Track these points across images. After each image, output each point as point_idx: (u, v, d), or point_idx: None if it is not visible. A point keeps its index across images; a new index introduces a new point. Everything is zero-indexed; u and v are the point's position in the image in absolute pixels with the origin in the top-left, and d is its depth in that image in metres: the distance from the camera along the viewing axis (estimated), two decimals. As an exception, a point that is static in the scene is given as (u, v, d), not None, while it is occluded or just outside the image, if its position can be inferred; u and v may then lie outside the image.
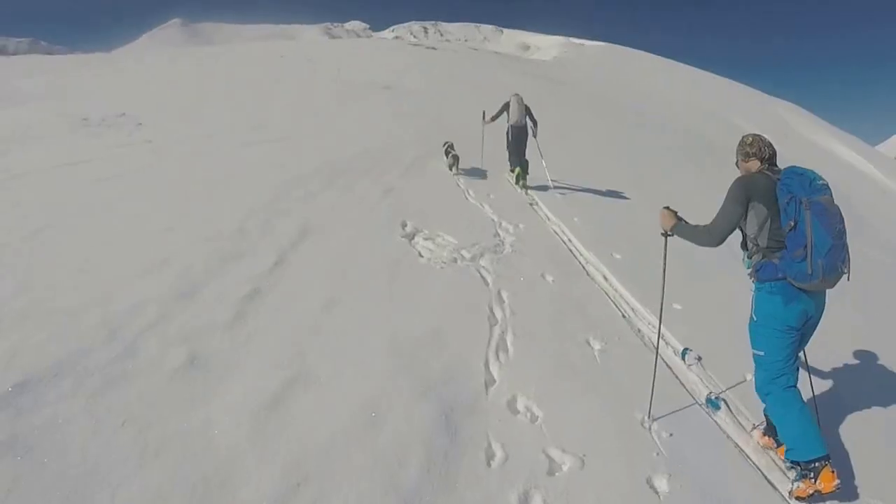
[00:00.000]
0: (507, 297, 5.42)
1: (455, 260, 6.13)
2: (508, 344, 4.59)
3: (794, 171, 3.24)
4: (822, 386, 4.50)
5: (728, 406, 4.17)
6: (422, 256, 6.12)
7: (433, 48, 53.67)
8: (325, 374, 3.79)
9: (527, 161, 10.59)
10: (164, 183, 7.90)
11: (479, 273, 5.89)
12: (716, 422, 3.99)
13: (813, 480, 3.14)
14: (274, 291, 4.84)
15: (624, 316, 5.49)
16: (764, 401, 3.49)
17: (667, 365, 4.64)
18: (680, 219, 3.74)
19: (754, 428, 3.84)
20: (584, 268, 6.76)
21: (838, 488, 3.09)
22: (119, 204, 6.84)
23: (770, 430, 3.62)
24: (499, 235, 7.33)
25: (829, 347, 4.87)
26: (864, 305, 7.06)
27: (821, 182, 3.18)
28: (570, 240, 7.80)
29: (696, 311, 5.76)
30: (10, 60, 34.64)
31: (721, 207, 3.43)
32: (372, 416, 3.43)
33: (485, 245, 6.75)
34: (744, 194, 3.32)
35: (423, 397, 3.67)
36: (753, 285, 3.51)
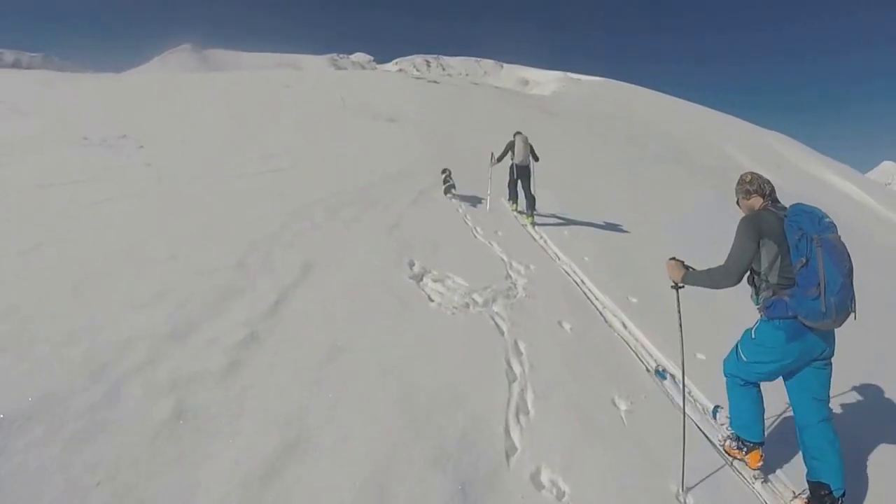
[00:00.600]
0: (524, 349, 4.97)
1: (467, 305, 5.67)
2: (529, 405, 4.12)
3: (802, 209, 3.24)
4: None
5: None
6: (432, 300, 5.65)
7: (435, 81, 53.99)
8: (327, 437, 3.31)
9: (534, 197, 10.51)
10: (164, 208, 7.46)
11: (493, 320, 5.44)
12: (754, 490, 3.63)
13: (744, 453, 3.76)
14: (273, 336, 4.36)
15: (648, 370, 5.06)
16: (725, 379, 3.84)
17: (697, 426, 4.25)
18: (688, 267, 3.70)
19: (795, 497, 3.56)
20: (600, 313, 6.34)
21: (758, 468, 3.68)
22: (116, 227, 6.41)
23: (814, 500, 3.35)
24: (510, 277, 6.91)
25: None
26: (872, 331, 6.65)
27: (828, 220, 3.17)
28: (582, 281, 7.41)
29: (721, 361, 5.30)
30: (21, 73, 34.43)
31: (734, 246, 3.37)
32: (379, 490, 2.97)
33: (497, 288, 6.31)
34: (755, 231, 3.29)
35: (438, 467, 3.21)
36: (760, 318, 3.50)
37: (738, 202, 3.65)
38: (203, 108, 21.60)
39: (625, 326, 6.08)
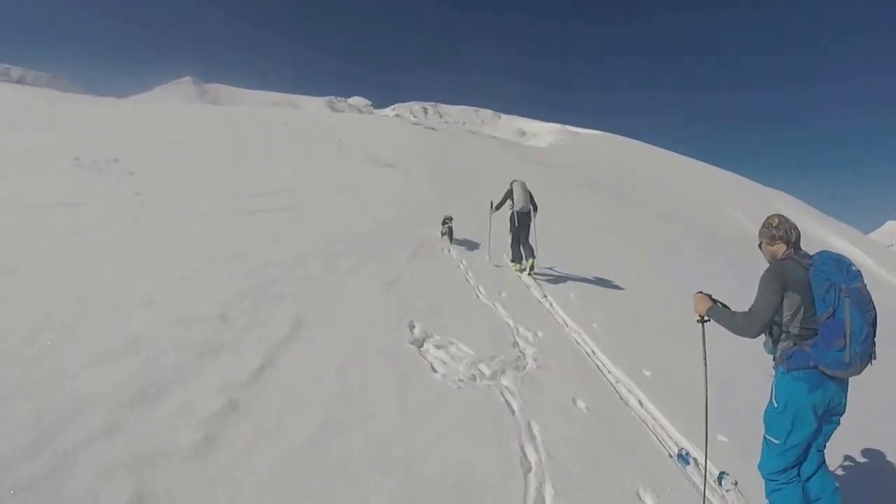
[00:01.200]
0: (538, 432, 4.42)
1: (474, 378, 5.12)
2: (548, 501, 3.56)
3: (829, 257, 3.18)
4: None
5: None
6: (435, 371, 5.09)
7: (433, 128, 54.23)
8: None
9: (531, 247, 10.17)
10: (148, 244, 6.93)
11: (503, 396, 4.89)
12: None
13: None
14: (256, 407, 3.79)
15: (670, 455, 4.54)
16: (767, 487, 3.43)
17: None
18: (716, 301, 3.59)
19: None
20: (615, 388, 5.82)
21: None
22: (94, 260, 5.93)
23: None
24: (518, 345, 6.38)
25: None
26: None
27: (854, 268, 3.12)
28: (593, 352, 6.89)
29: (745, 445, 4.74)
30: (24, 89, 34.12)
31: (758, 297, 3.29)
32: None
33: (505, 359, 5.77)
34: (779, 283, 3.21)
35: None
36: (776, 370, 3.38)
37: (760, 245, 3.56)
38: (199, 139, 21.29)
39: (641, 404, 5.56)
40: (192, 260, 6.52)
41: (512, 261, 10.65)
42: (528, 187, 10.59)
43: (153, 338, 4.30)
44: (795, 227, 3.43)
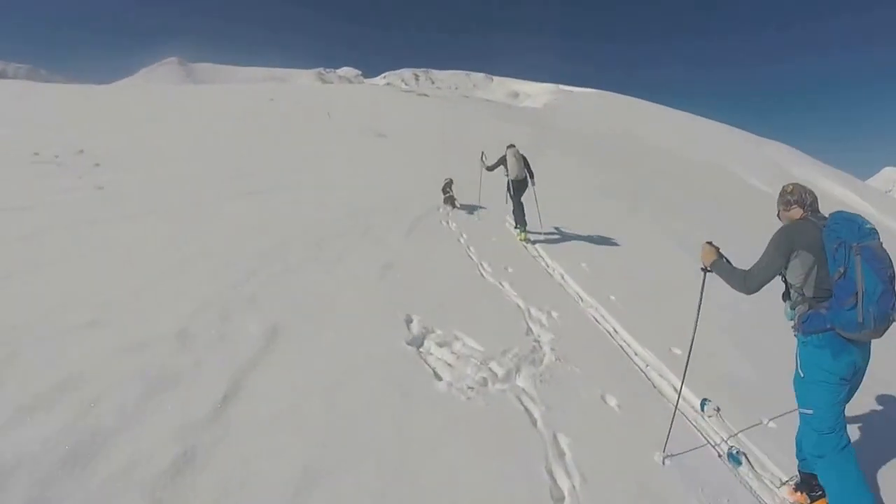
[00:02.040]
0: (567, 447, 3.65)
1: (485, 382, 4.30)
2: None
3: (843, 216, 3.10)
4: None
5: (749, 461, 3.87)
6: (439, 378, 4.26)
7: (425, 95, 53.39)
8: None
9: (524, 217, 9.92)
10: (102, 247, 6.00)
11: (522, 403, 4.10)
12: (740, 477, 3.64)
13: None
14: (217, 455, 2.97)
15: (720, 454, 3.90)
16: (814, 464, 3.24)
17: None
18: (721, 255, 3.62)
19: (783, 484, 3.62)
20: (645, 375, 5.09)
21: None
22: (35, 273, 5.00)
23: (803, 486, 3.44)
24: (531, 332, 5.58)
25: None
26: None
27: (868, 226, 3.03)
28: (615, 330, 6.13)
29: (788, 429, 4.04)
30: (3, 84, 32.98)
31: (762, 256, 3.30)
32: None
33: (518, 352, 4.95)
34: (787, 244, 3.20)
35: None
36: (797, 339, 3.30)
37: (778, 214, 3.53)
38: (177, 123, 20.33)
39: (676, 391, 4.75)
40: (151, 264, 5.61)
41: (515, 227, 10.15)
42: (523, 153, 10.18)
43: (93, 372, 3.45)
44: (811, 192, 3.40)
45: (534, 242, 9.61)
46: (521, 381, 4.47)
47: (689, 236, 13.09)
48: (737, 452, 3.92)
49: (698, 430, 4.21)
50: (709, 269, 3.65)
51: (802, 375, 3.22)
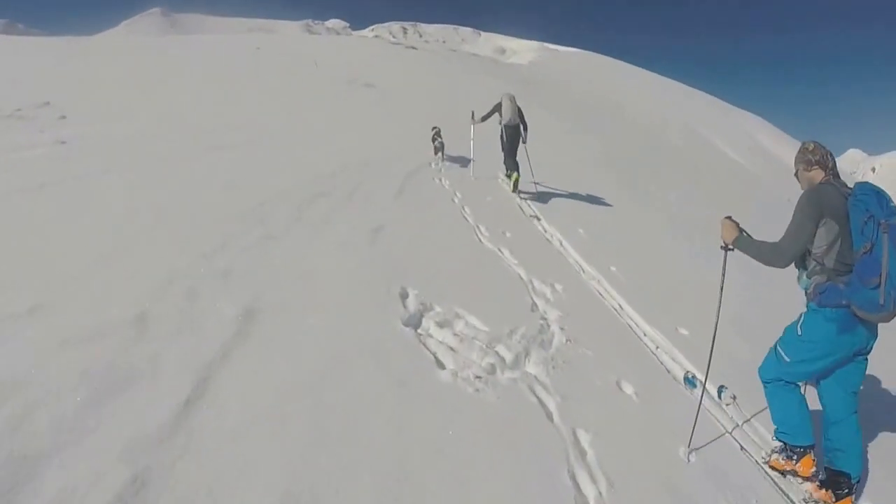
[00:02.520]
0: (588, 444, 3.16)
1: (493, 369, 3.70)
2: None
3: (870, 188, 2.88)
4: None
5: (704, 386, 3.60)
6: (442, 366, 3.63)
7: (413, 48, 52.05)
8: None
9: (516, 162, 9.78)
10: (54, 214, 5.15)
11: (535, 394, 3.54)
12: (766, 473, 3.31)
13: (794, 461, 3.23)
14: (173, 482, 2.32)
15: (742, 447, 3.52)
16: (765, 390, 3.35)
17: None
18: (742, 230, 3.29)
19: (805, 481, 3.28)
20: (657, 359, 4.62)
21: (814, 474, 3.19)
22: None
23: (829, 483, 3.12)
24: (537, 307, 5.00)
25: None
26: None
27: (894, 203, 2.81)
28: (621, 306, 5.59)
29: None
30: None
31: (791, 223, 3.02)
32: None
33: (526, 332, 4.36)
34: (816, 209, 2.91)
35: None
36: (808, 304, 3.11)
37: (796, 174, 3.28)
38: (156, 74, 19.15)
39: (690, 381, 4.27)
40: (108, 232, 4.82)
41: (506, 173, 10.00)
42: (518, 103, 9.99)
43: (28, 374, 2.76)
44: (832, 154, 3.16)
45: (525, 199, 9.27)
46: (531, 368, 3.91)
47: (683, 210, 12.73)
48: (692, 377, 4.16)
49: (717, 420, 3.83)
50: (731, 246, 3.30)
51: (800, 334, 3.10)
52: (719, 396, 4.15)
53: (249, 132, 10.64)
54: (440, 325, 4.20)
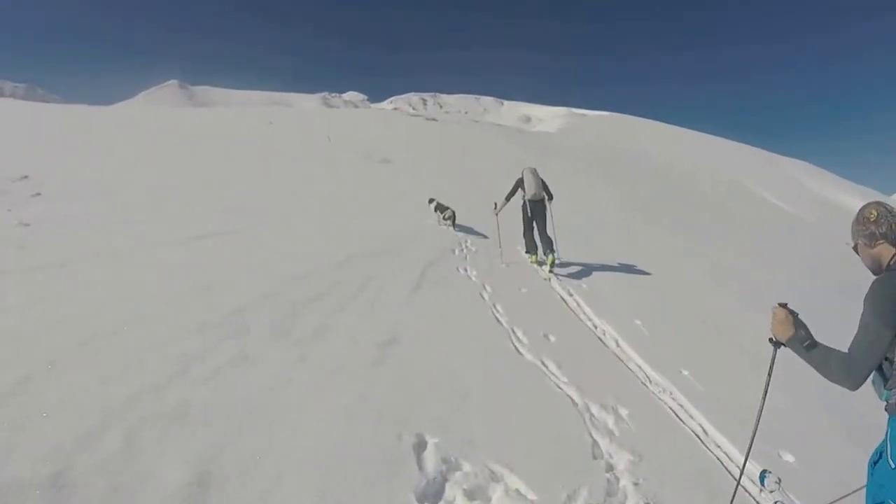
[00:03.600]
0: None
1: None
2: None
3: None
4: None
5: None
6: None
7: (434, 119, 52.62)
8: None
9: (550, 239, 9.52)
10: None
11: None
12: None
13: None
14: None
15: None
16: None
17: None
18: (799, 325, 2.59)
19: None
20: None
21: None
22: None
23: None
24: (599, 450, 3.91)
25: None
26: None
27: None
28: (704, 431, 4.55)
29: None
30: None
31: (862, 328, 2.29)
32: None
33: (590, 498, 3.29)
34: (892, 310, 2.19)
35: None
36: (890, 419, 2.35)
37: (856, 248, 2.59)
38: (156, 148, 18.89)
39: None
40: (36, 345, 3.84)
41: (526, 252, 10.10)
42: (541, 174, 9.88)
43: None
44: None
45: (563, 283, 8.75)
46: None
47: (740, 271, 11.82)
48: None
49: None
50: (783, 343, 2.69)
51: (894, 466, 2.32)
52: (762, 482, 3.68)
53: (244, 217, 9.86)
54: (470, 495, 3.13)
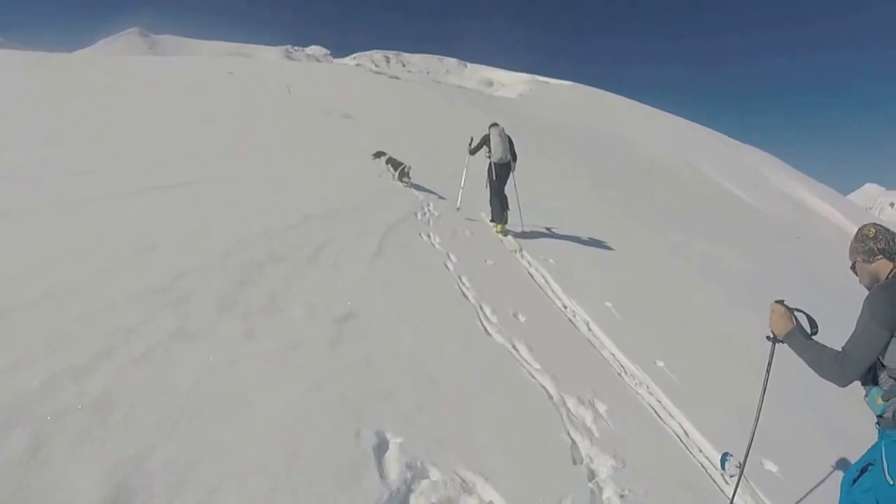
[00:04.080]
0: None
1: None
2: None
3: None
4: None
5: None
6: None
7: (396, 77, 51.45)
8: None
9: (506, 196, 9.24)
10: None
11: None
12: None
13: None
14: None
15: None
16: None
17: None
18: (796, 322, 2.68)
19: None
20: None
21: None
22: None
23: None
24: (579, 453, 3.50)
25: None
26: None
27: None
28: (686, 432, 4.22)
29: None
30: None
31: (858, 330, 2.41)
32: None
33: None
34: (891, 314, 2.29)
35: None
36: (882, 433, 2.46)
37: (853, 266, 2.68)
38: (119, 96, 17.69)
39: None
40: None
41: (492, 220, 9.42)
42: (507, 132, 9.40)
43: None
44: None
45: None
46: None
47: (715, 261, 11.59)
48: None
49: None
50: (781, 339, 2.75)
51: (892, 482, 2.32)
52: (723, 466, 3.78)
53: (199, 169, 9.07)
54: (441, 504, 2.66)
